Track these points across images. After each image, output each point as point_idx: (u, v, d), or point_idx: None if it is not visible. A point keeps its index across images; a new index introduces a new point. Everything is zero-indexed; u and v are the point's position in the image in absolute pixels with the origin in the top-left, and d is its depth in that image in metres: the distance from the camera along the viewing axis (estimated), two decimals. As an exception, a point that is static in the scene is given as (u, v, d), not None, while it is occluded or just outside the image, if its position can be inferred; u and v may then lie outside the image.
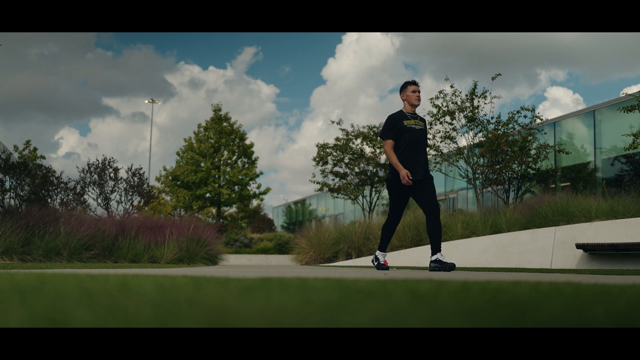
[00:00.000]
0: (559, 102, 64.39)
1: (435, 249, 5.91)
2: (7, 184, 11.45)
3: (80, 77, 62.50)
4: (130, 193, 13.81)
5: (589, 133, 15.82)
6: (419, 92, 6.29)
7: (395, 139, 6.15)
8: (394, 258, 11.50)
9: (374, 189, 18.44)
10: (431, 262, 5.94)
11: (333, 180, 18.89)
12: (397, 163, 6.02)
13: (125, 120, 67.44)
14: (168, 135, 63.67)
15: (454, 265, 5.82)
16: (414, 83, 6.31)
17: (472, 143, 14.79)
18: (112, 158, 13.79)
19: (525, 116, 14.39)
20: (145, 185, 14.15)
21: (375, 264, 6.42)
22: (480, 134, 14.61)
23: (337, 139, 18.50)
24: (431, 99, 15.14)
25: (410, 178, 5.92)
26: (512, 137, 14.25)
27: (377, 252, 6.45)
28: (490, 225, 10.57)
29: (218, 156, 32.72)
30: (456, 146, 15.12)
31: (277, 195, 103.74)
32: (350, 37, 66.43)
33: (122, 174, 22.68)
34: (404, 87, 6.35)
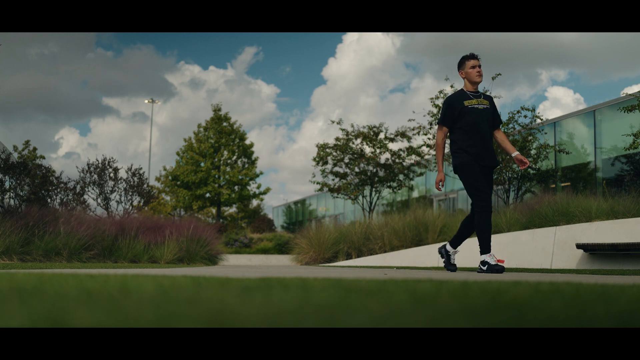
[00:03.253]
0: (559, 102, 64.38)
1: (484, 248, 5.34)
2: (7, 184, 11.45)
3: (80, 77, 62.51)
4: (130, 193, 13.81)
5: (589, 133, 15.82)
6: (480, 66, 5.58)
7: (454, 124, 5.48)
8: (393, 258, 11.50)
9: (374, 189, 18.44)
10: (480, 263, 5.40)
11: (333, 180, 18.89)
12: (440, 161, 5.55)
13: (125, 120, 67.45)
14: (168, 135, 63.68)
15: (502, 268, 5.19)
16: (474, 57, 5.57)
17: (472, 143, 14.77)
18: (112, 158, 13.80)
19: (525, 116, 14.39)
20: (145, 185, 14.15)
21: (485, 268, 5.33)
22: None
23: (337, 139, 18.51)
24: (431, 98, 15.15)
25: (442, 187, 5.35)
26: (512, 137, 14.25)
27: (483, 256, 5.37)
28: (490, 225, 10.54)
29: (218, 156, 32.72)
30: (456, 146, 15.11)
31: (277, 195, 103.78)
32: (351, 37, 66.43)
33: (122, 174, 22.69)
34: (461, 63, 5.63)
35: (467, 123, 5.42)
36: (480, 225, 5.35)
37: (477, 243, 5.44)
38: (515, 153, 5.56)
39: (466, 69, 5.57)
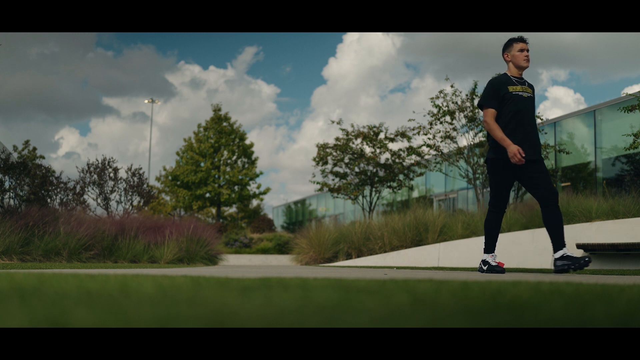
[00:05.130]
0: (560, 101, 64.37)
1: (559, 244, 4.89)
2: (7, 184, 11.44)
3: (80, 77, 62.51)
4: (130, 193, 13.81)
5: (590, 133, 15.82)
6: (528, 50, 5.20)
7: (498, 109, 5.08)
8: (394, 258, 11.50)
9: (374, 189, 18.45)
10: (556, 259, 4.89)
11: (333, 180, 18.90)
12: (502, 137, 4.93)
13: (125, 120, 67.44)
14: (168, 135, 63.68)
15: (588, 259, 4.77)
16: (522, 40, 5.19)
17: (472, 143, 14.78)
18: (112, 158, 13.81)
19: (525, 116, 14.37)
20: (145, 185, 14.16)
21: (485, 268, 5.24)
22: (480, 134, 14.61)
23: (337, 139, 18.51)
24: (431, 98, 15.15)
25: (523, 156, 4.87)
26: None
27: (485, 256, 5.29)
28: (490, 225, 10.55)
29: (218, 156, 32.73)
30: (456, 146, 15.12)
31: (277, 195, 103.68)
32: (351, 37, 66.42)
33: (122, 174, 22.69)
34: (508, 45, 5.23)
35: (510, 111, 5.04)
36: (489, 223, 5.26)
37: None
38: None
39: (513, 51, 5.19)
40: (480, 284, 2.01)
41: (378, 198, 18.71)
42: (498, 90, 5.08)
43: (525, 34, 5.29)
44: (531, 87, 5.26)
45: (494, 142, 5.08)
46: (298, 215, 38.54)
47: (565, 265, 4.81)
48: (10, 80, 54.46)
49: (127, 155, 65.10)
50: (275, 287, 1.84)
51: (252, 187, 33.50)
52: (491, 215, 5.26)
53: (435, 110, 14.99)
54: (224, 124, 33.04)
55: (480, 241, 9.92)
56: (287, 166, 69.62)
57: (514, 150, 4.85)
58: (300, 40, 70.33)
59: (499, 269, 5.16)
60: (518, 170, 5.00)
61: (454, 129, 14.94)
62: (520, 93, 5.09)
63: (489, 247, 5.28)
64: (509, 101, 5.05)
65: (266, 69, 67.70)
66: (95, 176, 13.51)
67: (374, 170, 18.24)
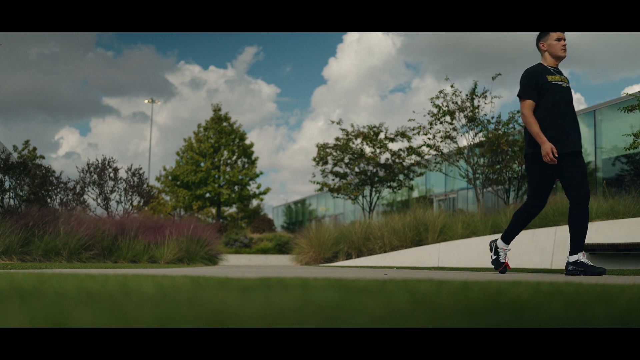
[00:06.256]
0: (559, 101, 64.23)
1: (577, 247, 4.69)
2: (7, 184, 11.45)
3: (80, 77, 62.50)
4: (130, 193, 13.82)
5: (590, 133, 15.82)
6: (565, 39, 4.97)
7: (537, 101, 4.82)
8: (394, 258, 11.51)
9: (374, 189, 18.45)
10: (569, 263, 4.72)
11: (333, 180, 18.90)
12: (538, 132, 4.70)
13: (125, 120, 67.43)
14: (168, 135, 63.67)
15: (604, 270, 4.56)
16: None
17: (472, 143, 14.79)
18: (112, 158, 13.81)
19: (525, 116, 14.38)
20: (145, 185, 14.16)
21: (493, 257, 5.14)
22: (480, 134, 14.62)
23: (337, 139, 18.51)
24: (431, 98, 15.15)
25: (556, 156, 4.66)
26: (513, 137, 14.25)
27: (498, 241, 5.16)
28: (490, 225, 10.57)
29: (218, 156, 32.73)
30: (456, 146, 15.12)
31: (277, 195, 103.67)
32: (352, 37, 66.43)
33: (122, 174, 22.69)
34: (545, 34, 4.98)
35: (549, 101, 4.78)
36: (518, 216, 5.09)
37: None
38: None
39: (550, 40, 4.95)
40: (480, 284, 2.01)
41: (378, 198, 18.72)
42: (537, 80, 4.83)
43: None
44: (567, 79, 5.02)
45: (531, 136, 4.84)
46: (298, 215, 38.54)
47: (577, 271, 4.65)
48: (10, 80, 54.47)
49: (127, 155, 65.11)
50: (275, 287, 1.84)
51: (252, 187, 33.51)
52: (525, 215, 5.05)
53: (435, 110, 15.00)
54: (224, 124, 33.05)
55: (480, 241, 9.92)
56: (287, 166, 69.61)
57: (547, 148, 4.64)
58: (300, 40, 70.34)
59: (502, 265, 5.14)
60: (557, 165, 4.74)
61: (454, 129, 14.94)
62: (559, 83, 4.85)
63: (507, 238, 5.15)
64: (548, 91, 4.79)
65: (266, 69, 67.71)
66: (95, 176, 13.51)
67: (374, 170, 18.24)
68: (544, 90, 4.80)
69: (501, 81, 44.98)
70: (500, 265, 5.15)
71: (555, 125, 4.75)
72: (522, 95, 4.87)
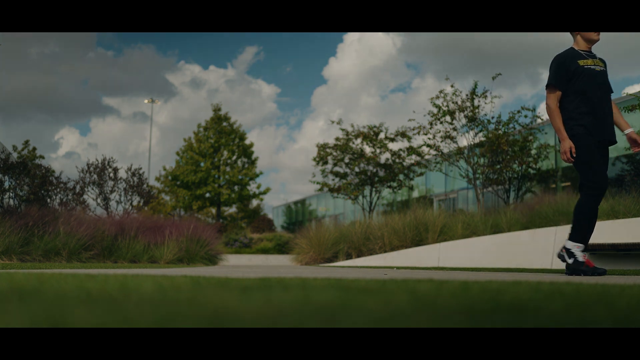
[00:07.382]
0: (560, 101, 64.24)
1: (575, 237, 4.53)
2: (7, 184, 11.44)
3: (80, 77, 62.53)
4: (130, 193, 13.82)
5: (589, 133, 15.81)
6: None
7: (566, 88, 4.57)
8: (394, 258, 11.50)
9: (374, 189, 18.45)
10: (564, 247, 4.55)
11: (333, 180, 18.90)
12: (560, 127, 4.50)
13: (125, 120, 67.46)
14: (169, 135, 63.67)
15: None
16: None
17: (472, 143, 14.79)
18: (112, 158, 13.82)
19: (525, 116, 14.41)
20: (145, 185, 14.16)
21: (571, 261, 4.50)
22: (480, 134, 14.63)
23: (337, 139, 18.52)
24: (431, 98, 15.16)
25: (574, 155, 4.45)
26: (513, 137, 14.25)
27: (570, 243, 4.54)
28: (490, 225, 10.57)
29: (218, 156, 32.73)
30: (456, 146, 15.12)
31: (277, 195, 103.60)
32: (352, 37, 66.45)
33: (122, 174, 22.69)
34: None
35: (582, 86, 4.52)
36: (582, 207, 4.51)
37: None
38: (629, 130, 4.70)
39: None
40: (481, 284, 2.01)
41: (378, 198, 18.72)
42: (568, 66, 4.57)
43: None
44: (603, 61, 4.74)
45: (564, 119, 4.57)
46: (298, 215, 38.53)
47: (562, 258, 4.56)
48: (10, 80, 54.46)
49: (127, 155, 65.10)
50: (275, 287, 1.84)
51: (252, 187, 33.49)
52: (589, 199, 4.48)
53: (435, 110, 15.00)
54: (224, 123, 33.04)
55: (481, 241, 9.92)
56: (287, 166, 69.59)
57: (566, 147, 4.45)
58: (301, 40, 70.35)
59: (587, 268, 4.42)
60: (598, 149, 4.52)
61: (454, 129, 14.95)
62: (592, 67, 4.58)
63: (578, 236, 4.53)
64: (579, 76, 4.55)
65: (266, 68, 67.72)
66: (95, 176, 13.51)
67: (374, 170, 18.24)
68: (576, 74, 4.55)
69: (501, 81, 45.00)
70: (581, 265, 4.48)
71: (591, 112, 4.50)
72: (549, 84, 4.63)
